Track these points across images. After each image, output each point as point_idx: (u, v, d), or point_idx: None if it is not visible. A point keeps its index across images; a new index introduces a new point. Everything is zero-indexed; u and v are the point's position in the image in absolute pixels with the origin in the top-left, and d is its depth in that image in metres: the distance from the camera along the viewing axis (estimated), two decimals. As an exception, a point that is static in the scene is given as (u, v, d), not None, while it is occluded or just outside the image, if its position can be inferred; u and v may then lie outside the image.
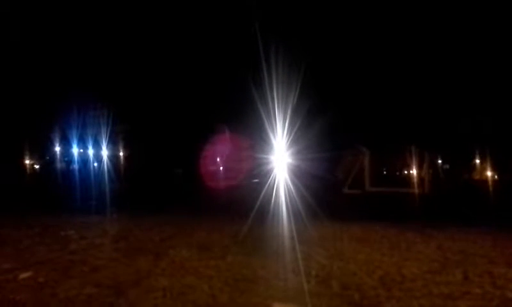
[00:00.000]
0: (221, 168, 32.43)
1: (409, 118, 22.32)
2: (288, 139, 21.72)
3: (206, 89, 24.27)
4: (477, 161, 34.76)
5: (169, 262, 6.42)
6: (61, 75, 24.89)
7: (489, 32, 20.14)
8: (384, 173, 31.62)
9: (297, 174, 21.44)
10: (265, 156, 23.53)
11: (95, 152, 32.63)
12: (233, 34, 21.43)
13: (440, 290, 5.12)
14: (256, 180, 23.03)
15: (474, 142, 27.31)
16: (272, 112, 20.17)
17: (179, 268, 6.04)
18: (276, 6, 19.62)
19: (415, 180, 24.31)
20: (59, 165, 38.66)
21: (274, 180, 20.45)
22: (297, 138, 21.97)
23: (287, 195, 19.40)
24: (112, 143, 31.86)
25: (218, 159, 31.90)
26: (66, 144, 34.70)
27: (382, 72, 22.16)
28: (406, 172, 31.89)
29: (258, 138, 23.22)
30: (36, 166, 38.11)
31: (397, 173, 33.08)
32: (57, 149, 37.01)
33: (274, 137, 21.24)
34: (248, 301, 4.74)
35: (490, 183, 27.77)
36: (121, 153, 33.87)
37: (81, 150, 34.29)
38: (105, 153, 31.67)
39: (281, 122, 20.51)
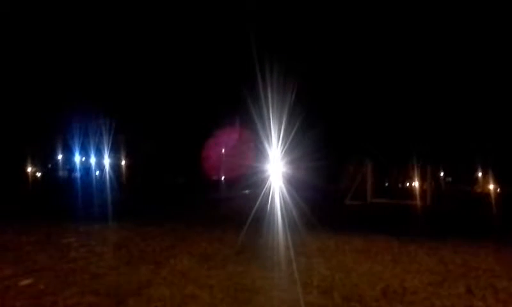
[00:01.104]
0: (223, 176, 32.44)
1: (411, 131, 22.31)
2: (284, 148, 21.77)
3: (204, 99, 24.35)
4: (480, 174, 34.71)
5: (170, 271, 6.40)
6: (64, 83, 25.01)
7: (496, 43, 20.16)
8: (387, 184, 31.60)
9: (295, 184, 21.42)
10: (260, 165, 23.59)
11: (97, 160, 32.70)
12: (228, 47, 21.55)
13: (442, 302, 5.09)
14: (247, 191, 22.91)
15: (477, 155, 27.26)
16: (267, 121, 20.26)
17: (180, 278, 6.02)
18: (271, 17, 19.74)
19: (417, 192, 24.26)
20: (61, 173, 38.75)
21: (270, 189, 20.45)
22: (295, 147, 22.01)
23: (286, 205, 19.37)
24: (114, 152, 31.92)
25: (219, 166, 31.94)
26: (68, 153, 34.80)
27: (385, 84, 22.19)
28: (408, 184, 31.87)
29: (253, 147, 23.32)
30: (38, 174, 38.17)
31: (399, 185, 33.05)
32: (59, 157, 37.12)
33: (270, 145, 21.27)
34: (248, 311, 4.72)
35: (493, 196, 27.65)
36: (123, 162, 33.92)
37: (83, 158, 34.37)
38: (107, 161, 31.72)
39: (276, 131, 20.53)
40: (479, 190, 34.83)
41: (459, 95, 21.79)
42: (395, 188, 30.97)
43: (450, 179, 36.70)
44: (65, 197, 21.44)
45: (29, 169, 35.21)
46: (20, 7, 21.43)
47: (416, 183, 26.68)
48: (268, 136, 20.82)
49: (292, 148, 22.06)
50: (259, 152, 23.36)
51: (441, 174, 33.42)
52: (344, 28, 21.17)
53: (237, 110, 21.61)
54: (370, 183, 23.11)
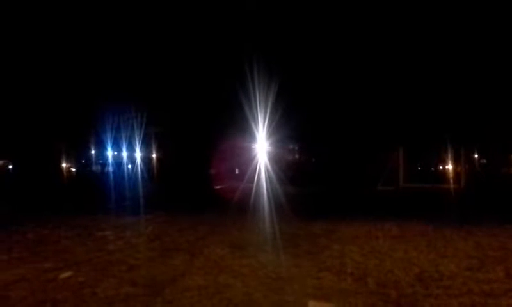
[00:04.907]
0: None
1: (444, 112, 21.74)
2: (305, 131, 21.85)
3: (214, 93, 24.50)
4: (516, 154, 33.60)
5: (204, 261, 6.48)
6: (96, 79, 25.52)
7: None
8: (419, 168, 31.05)
9: (323, 169, 21.35)
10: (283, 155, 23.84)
11: (128, 154, 33.26)
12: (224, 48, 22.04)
13: (481, 287, 4.99)
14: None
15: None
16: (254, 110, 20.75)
17: (214, 267, 6.10)
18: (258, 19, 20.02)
19: (451, 175, 23.75)
20: (94, 167, 39.67)
21: (297, 176, 20.39)
22: (317, 133, 22.01)
23: (316, 192, 19.30)
24: (146, 145, 32.38)
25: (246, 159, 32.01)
26: (101, 147, 35.56)
27: (414, 63, 21.67)
28: (441, 167, 31.20)
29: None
30: (73, 169, 39.15)
31: (432, 169, 32.40)
32: (93, 152, 38.00)
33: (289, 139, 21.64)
34: (282, 299, 4.74)
35: (530, 177, 26.78)
36: (154, 155, 34.38)
37: (115, 153, 35.03)
38: (138, 155, 32.23)
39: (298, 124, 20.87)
40: (516, 171, 33.78)
41: (490, 73, 21.10)
42: (427, 172, 30.41)
43: (485, 161, 35.67)
44: (99, 191, 21.93)
45: (64, 165, 36.18)
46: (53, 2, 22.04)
47: (449, 166, 26.10)
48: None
49: (314, 134, 22.08)
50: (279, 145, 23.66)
51: (476, 156, 32.51)
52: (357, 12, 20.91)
53: (236, 106, 21.84)
54: (402, 168, 22.75)
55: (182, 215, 12.22)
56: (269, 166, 22.06)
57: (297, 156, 29.02)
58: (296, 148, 28.42)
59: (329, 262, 6.26)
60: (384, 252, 6.88)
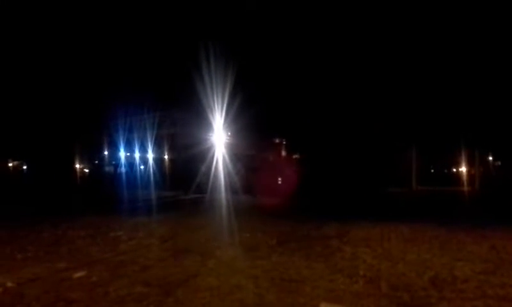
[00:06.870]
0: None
1: (458, 114, 21.52)
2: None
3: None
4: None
5: (216, 262, 6.49)
6: (108, 81, 25.81)
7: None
8: (432, 170, 30.83)
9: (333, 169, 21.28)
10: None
11: (141, 155, 33.43)
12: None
13: (495, 291, 4.92)
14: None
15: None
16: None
17: (226, 268, 6.10)
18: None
19: (465, 177, 23.52)
20: (107, 168, 39.97)
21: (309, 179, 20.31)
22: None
23: (326, 193, 19.19)
24: (158, 146, 32.55)
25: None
26: (113, 148, 35.82)
27: (431, 65, 21.50)
28: (455, 169, 30.92)
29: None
30: (86, 170, 39.48)
31: (446, 171, 32.15)
32: (106, 153, 38.29)
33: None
34: (295, 301, 4.73)
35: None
36: (166, 156, 34.54)
37: (128, 154, 35.24)
38: (151, 156, 32.40)
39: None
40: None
41: (506, 76, 20.86)
42: (441, 174, 30.17)
43: (499, 163, 35.29)
44: (112, 192, 22.07)
45: (77, 166, 36.55)
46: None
47: (463, 169, 25.87)
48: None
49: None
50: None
51: (490, 158, 32.17)
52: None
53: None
54: (415, 170, 22.59)
55: (192, 216, 12.27)
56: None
57: (284, 153, 28.38)
58: (285, 142, 27.88)
59: (342, 264, 6.23)
60: (397, 254, 6.83)
